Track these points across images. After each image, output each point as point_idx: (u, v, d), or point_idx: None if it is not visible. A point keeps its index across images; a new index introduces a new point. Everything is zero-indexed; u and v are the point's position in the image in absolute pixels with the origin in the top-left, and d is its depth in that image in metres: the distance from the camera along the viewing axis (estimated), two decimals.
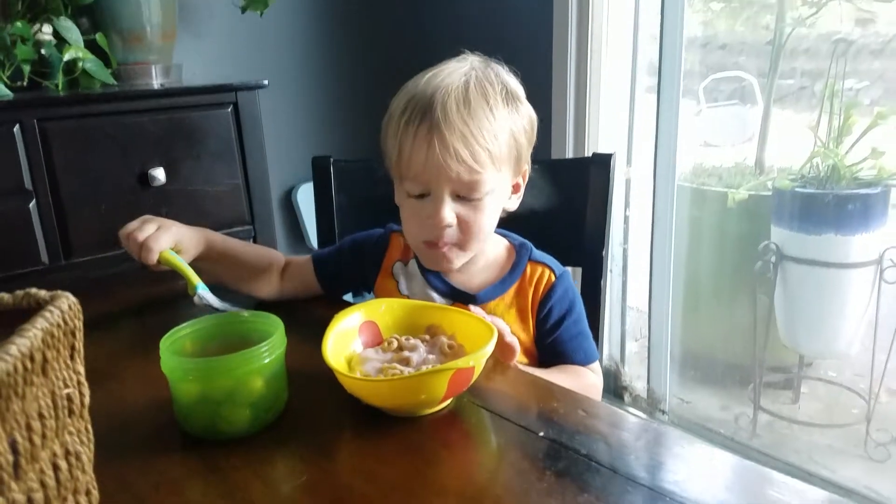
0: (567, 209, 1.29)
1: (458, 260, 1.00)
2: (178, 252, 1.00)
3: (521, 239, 1.09)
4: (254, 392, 0.70)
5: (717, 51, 2.45)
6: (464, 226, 0.96)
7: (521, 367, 0.90)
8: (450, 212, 0.94)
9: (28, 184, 1.57)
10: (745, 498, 0.58)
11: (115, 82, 1.80)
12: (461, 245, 0.98)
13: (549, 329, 1.02)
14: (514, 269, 1.05)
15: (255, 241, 1.89)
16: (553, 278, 1.04)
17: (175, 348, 0.73)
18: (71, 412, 0.45)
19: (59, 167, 1.60)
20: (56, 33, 1.71)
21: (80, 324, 0.46)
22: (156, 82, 1.88)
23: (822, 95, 2.12)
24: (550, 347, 1.01)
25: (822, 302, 2.20)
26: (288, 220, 2.52)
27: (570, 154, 2.15)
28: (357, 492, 0.61)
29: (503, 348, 0.86)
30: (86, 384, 0.47)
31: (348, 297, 1.19)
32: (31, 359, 0.39)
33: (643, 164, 2.26)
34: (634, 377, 2.42)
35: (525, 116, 1.00)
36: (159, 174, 1.70)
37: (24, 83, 1.65)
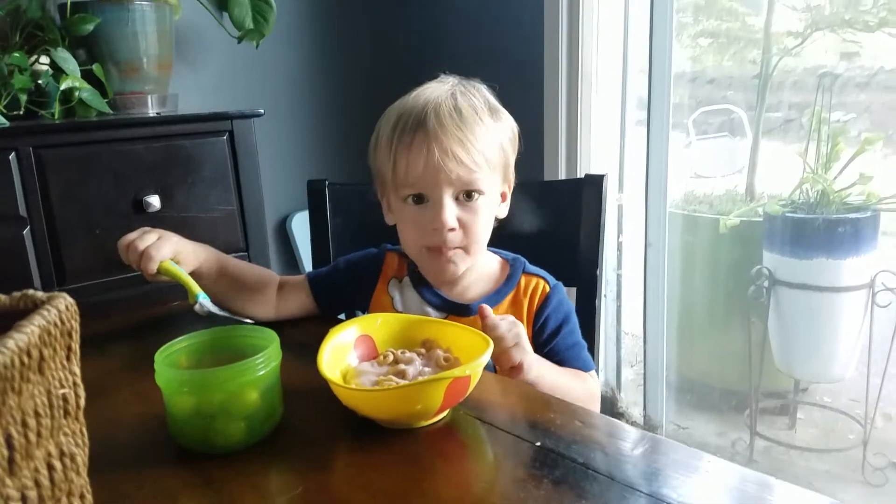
0: (561, 230, 1.30)
1: (463, 264, 1.02)
2: (177, 263, 1.00)
3: (513, 254, 1.12)
4: (249, 405, 0.70)
5: (706, 85, 2.48)
6: (465, 228, 0.98)
7: (539, 360, 0.91)
8: (452, 214, 0.97)
9: (23, 210, 1.57)
10: (744, 502, 0.57)
11: (112, 112, 1.81)
12: (465, 248, 1.00)
13: (547, 339, 1.03)
14: (509, 280, 1.07)
15: None
16: (548, 289, 1.07)
17: (170, 362, 0.73)
18: (66, 413, 0.45)
19: (54, 194, 1.60)
20: (53, 64, 1.73)
21: (76, 325, 0.46)
22: (152, 112, 1.90)
23: (810, 127, 2.14)
24: (548, 357, 1.01)
25: (815, 326, 2.21)
26: (282, 248, 2.52)
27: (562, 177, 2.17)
28: (353, 502, 0.61)
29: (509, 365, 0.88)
30: (81, 386, 0.47)
31: (342, 317, 1.19)
32: (28, 354, 0.39)
33: (635, 191, 2.28)
34: (631, 403, 2.42)
35: (508, 128, 1.04)
36: (154, 201, 1.70)
37: (21, 112, 1.66)
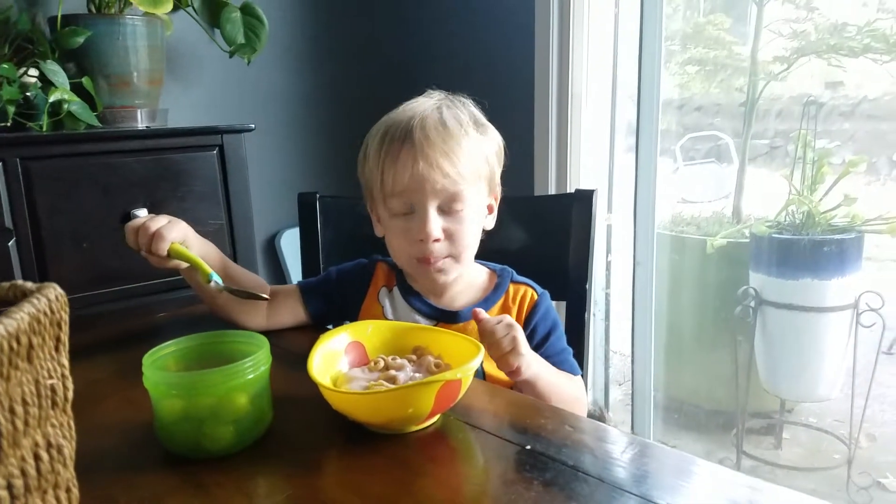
0: (550, 245, 1.31)
1: (453, 272, 1.03)
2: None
3: (501, 265, 1.14)
4: (237, 409, 0.70)
5: (693, 112, 2.51)
6: (451, 238, 1.00)
7: (536, 359, 0.92)
8: (437, 225, 0.98)
9: (9, 222, 1.56)
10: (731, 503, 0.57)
11: (101, 125, 1.81)
12: (453, 257, 1.02)
13: (536, 346, 1.04)
14: (497, 289, 1.09)
15: None
16: (536, 297, 1.09)
17: (158, 365, 0.73)
18: (54, 404, 0.44)
19: (42, 206, 1.59)
20: (42, 76, 1.72)
21: (66, 317, 0.46)
22: (141, 126, 1.89)
23: (795, 152, 2.17)
24: None
25: (801, 346, 2.22)
26: (271, 265, 2.51)
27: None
28: None
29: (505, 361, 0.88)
30: (69, 378, 0.46)
31: (329, 327, 1.18)
32: (18, 341, 0.39)
33: (623, 212, 2.29)
34: (619, 422, 2.41)
35: (493, 141, 1.06)
36: (143, 214, 1.69)
37: (9, 123, 1.65)
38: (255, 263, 1.94)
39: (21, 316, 0.40)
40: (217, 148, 1.82)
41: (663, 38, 1.99)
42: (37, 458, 0.42)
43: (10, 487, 0.39)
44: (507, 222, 1.20)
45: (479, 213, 1.05)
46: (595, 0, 2.11)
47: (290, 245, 2.48)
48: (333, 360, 0.80)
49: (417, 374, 0.77)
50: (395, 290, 1.10)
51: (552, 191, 2.19)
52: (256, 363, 0.71)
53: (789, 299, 2.17)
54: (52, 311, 0.44)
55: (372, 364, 0.80)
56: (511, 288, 1.09)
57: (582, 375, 1.11)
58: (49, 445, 0.43)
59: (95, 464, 0.66)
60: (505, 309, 1.07)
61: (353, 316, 1.12)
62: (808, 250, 2.12)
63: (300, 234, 1.43)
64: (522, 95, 2.20)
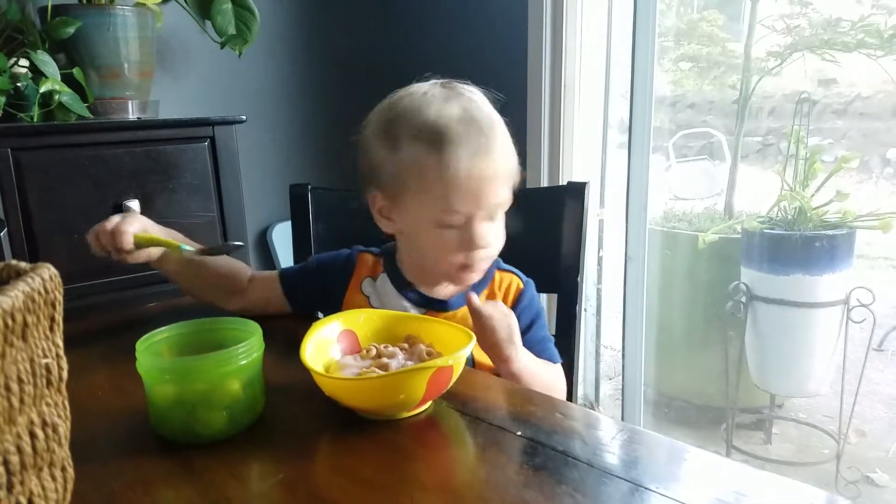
0: (542, 237, 1.31)
1: (484, 269, 1.03)
2: None
3: None
4: (230, 395, 0.70)
5: (686, 109, 2.52)
6: (495, 242, 0.99)
7: (523, 351, 0.93)
8: (490, 235, 0.97)
9: (0, 213, 1.55)
10: (720, 489, 0.58)
11: (92, 116, 1.80)
12: (491, 257, 1.01)
13: (521, 333, 1.03)
14: (484, 277, 1.07)
15: None
16: (521, 285, 1.09)
17: (151, 351, 0.73)
18: (49, 383, 0.44)
19: (33, 197, 1.59)
20: (33, 66, 1.72)
21: (60, 297, 0.46)
22: (132, 117, 1.89)
23: (788, 149, 2.18)
24: None
25: (791, 341, 2.23)
26: (262, 259, 2.51)
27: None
28: (336, 487, 0.61)
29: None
30: (64, 358, 0.46)
31: (320, 315, 1.18)
32: (13, 318, 0.39)
33: (615, 208, 2.30)
34: (608, 416, 2.42)
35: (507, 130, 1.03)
36: (134, 206, 1.70)
37: None
38: (246, 256, 1.94)
39: (16, 294, 0.40)
40: (208, 140, 1.82)
41: (657, 34, 2.00)
42: (32, 435, 0.42)
43: (6, 464, 0.39)
44: None
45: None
46: None
47: (282, 238, 2.48)
48: (326, 347, 0.81)
49: (409, 362, 0.77)
50: (382, 278, 1.08)
51: (544, 185, 2.19)
52: (249, 349, 0.71)
53: (780, 295, 2.18)
54: (46, 291, 0.44)
55: (364, 352, 0.81)
56: (497, 276, 1.09)
57: (571, 368, 1.12)
58: (44, 424, 0.43)
59: (88, 449, 0.66)
60: (491, 297, 1.07)
61: (335, 307, 1.09)
62: (800, 246, 2.13)
63: (292, 225, 1.43)
64: (515, 89, 2.20)
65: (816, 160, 2.15)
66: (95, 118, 1.82)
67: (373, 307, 1.06)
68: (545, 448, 0.65)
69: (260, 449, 0.68)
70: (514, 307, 1.05)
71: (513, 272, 1.10)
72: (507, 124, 1.05)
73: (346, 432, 0.70)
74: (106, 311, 1.22)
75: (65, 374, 0.47)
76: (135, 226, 0.98)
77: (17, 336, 0.40)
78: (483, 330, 0.89)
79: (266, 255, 2.50)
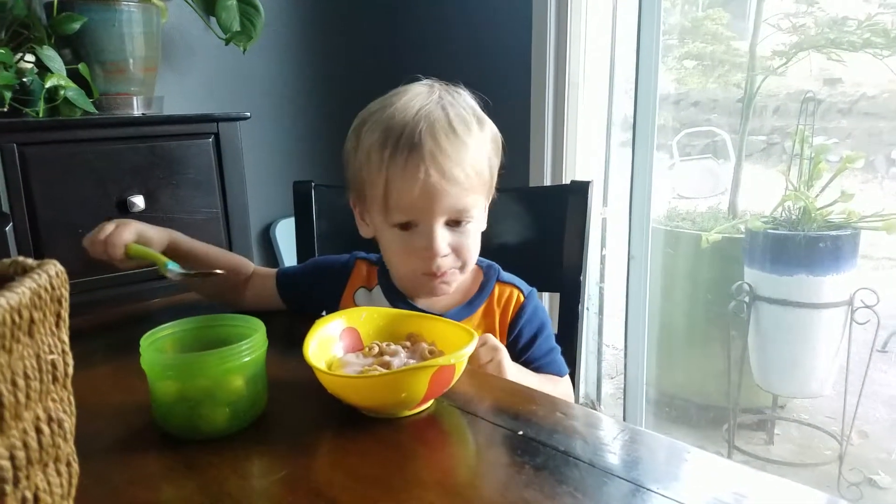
0: (545, 236, 1.31)
1: (455, 282, 1.01)
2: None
3: (487, 261, 1.09)
4: (233, 391, 0.70)
5: (690, 107, 2.52)
6: (458, 252, 0.96)
7: (514, 366, 0.91)
8: (444, 242, 0.94)
9: (5, 207, 1.56)
10: (721, 490, 0.58)
11: (97, 112, 1.81)
12: (459, 268, 0.98)
13: (522, 348, 1.02)
14: (482, 290, 1.05)
15: None
16: (522, 298, 1.05)
17: (155, 347, 0.73)
18: (55, 379, 0.45)
19: (38, 192, 1.60)
20: (38, 62, 1.72)
21: (66, 294, 0.46)
22: (137, 113, 1.89)
23: (792, 149, 2.18)
24: (524, 365, 1.01)
25: (794, 342, 2.23)
26: (266, 255, 2.52)
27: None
28: (337, 485, 0.61)
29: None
30: (70, 354, 0.47)
31: (324, 313, 1.18)
32: (20, 314, 0.40)
33: (619, 207, 2.30)
34: (610, 416, 2.43)
35: (493, 137, 1.00)
36: (138, 201, 1.70)
37: (5, 109, 1.65)
38: (250, 253, 1.94)
39: (22, 290, 0.40)
40: (212, 136, 1.83)
41: (661, 32, 2.00)
42: (38, 431, 0.42)
43: (12, 459, 0.39)
44: (502, 213, 1.19)
45: (482, 220, 1.01)
46: None
47: (285, 235, 2.48)
48: (328, 345, 0.81)
49: (411, 360, 0.78)
50: (376, 290, 1.07)
51: (548, 183, 2.19)
52: (253, 346, 0.71)
53: (783, 295, 2.18)
54: (52, 287, 0.44)
55: (366, 350, 0.81)
56: (496, 289, 1.05)
57: (573, 367, 1.11)
58: (50, 419, 0.44)
59: (92, 444, 0.67)
60: (489, 311, 1.04)
61: (331, 311, 1.09)
62: (803, 246, 2.13)
63: (295, 222, 1.43)
64: (519, 86, 2.21)
65: (821, 160, 2.14)
66: (100, 114, 1.83)
67: None
68: (546, 447, 0.65)
69: (262, 445, 0.69)
70: (513, 322, 1.03)
71: (513, 283, 1.06)
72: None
73: (347, 430, 0.71)
74: (109, 307, 1.22)
75: (70, 370, 0.47)
76: (126, 235, 0.98)
77: (24, 332, 0.41)
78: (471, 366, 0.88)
79: (269, 251, 2.51)
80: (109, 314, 1.17)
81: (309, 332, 0.78)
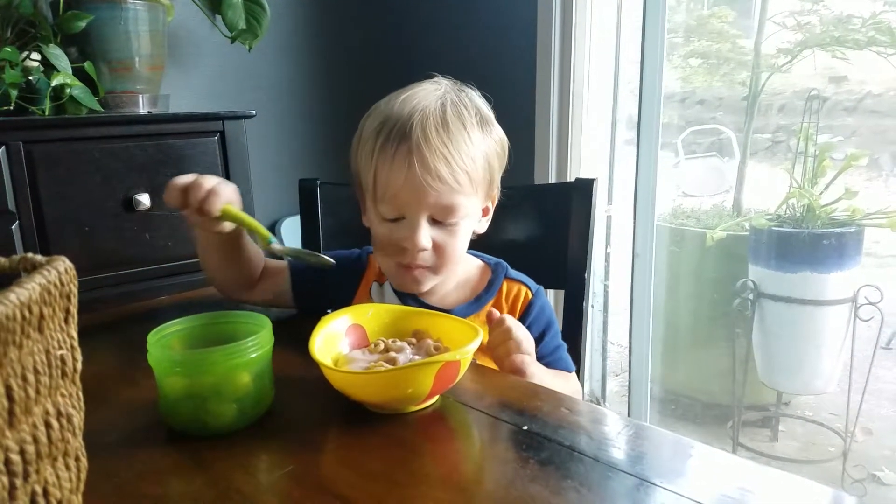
0: (550, 233, 1.32)
1: (428, 283, 1.01)
2: None
3: (495, 259, 1.10)
4: (240, 387, 0.71)
5: (695, 105, 2.52)
6: (438, 250, 0.96)
7: (534, 364, 0.91)
8: (426, 236, 0.94)
9: (12, 206, 1.57)
10: (725, 485, 0.58)
11: (102, 110, 1.81)
12: (434, 269, 0.98)
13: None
14: (490, 287, 1.06)
15: None
16: (530, 296, 1.06)
17: (162, 344, 0.74)
18: (64, 374, 0.45)
19: (44, 190, 1.60)
20: (45, 60, 1.73)
21: (75, 290, 0.47)
22: (143, 111, 1.90)
23: (797, 148, 2.18)
24: None
25: (798, 339, 2.23)
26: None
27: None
28: (343, 480, 0.61)
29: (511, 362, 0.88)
30: (78, 350, 0.47)
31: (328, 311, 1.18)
32: (29, 310, 0.40)
33: (623, 204, 2.30)
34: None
35: (497, 140, 1.00)
36: (144, 199, 1.71)
37: (11, 107, 1.66)
38: None
39: (33, 286, 0.41)
40: (218, 134, 1.83)
41: (666, 31, 2.00)
42: (47, 425, 0.43)
43: (22, 453, 0.40)
44: (507, 210, 1.19)
45: (471, 222, 1.00)
46: None
47: (291, 233, 2.48)
48: (334, 341, 0.81)
49: (417, 357, 0.78)
50: (387, 284, 1.07)
51: (552, 181, 2.19)
52: (259, 343, 0.72)
53: (788, 292, 2.18)
54: (61, 283, 0.44)
55: (372, 346, 0.81)
56: (505, 285, 1.06)
57: (578, 365, 1.11)
58: (59, 414, 0.44)
59: (99, 439, 0.67)
60: (497, 308, 1.04)
61: (342, 306, 1.10)
62: (808, 243, 2.13)
63: (301, 220, 1.43)
64: (524, 84, 2.21)
65: (825, 157, 2.14)
66: (106, 112, 1.84)
67: None
68: (551, 443, 0.65)
69: (269, 441, 0.69)
70: (522, 318, 1.04)
71: (521, 281, 1.07)
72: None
73: (353, 426, 0.71)
74: (116, 304, 1.23)
75: (79, 366, 0.47)
76: (228, 192, 0.90)
77: (34, 328, 0.41)
78: (502, 341, 0.88)
79: None
80: (116, 311, 1.17)
81: (315, 329, 0.78)
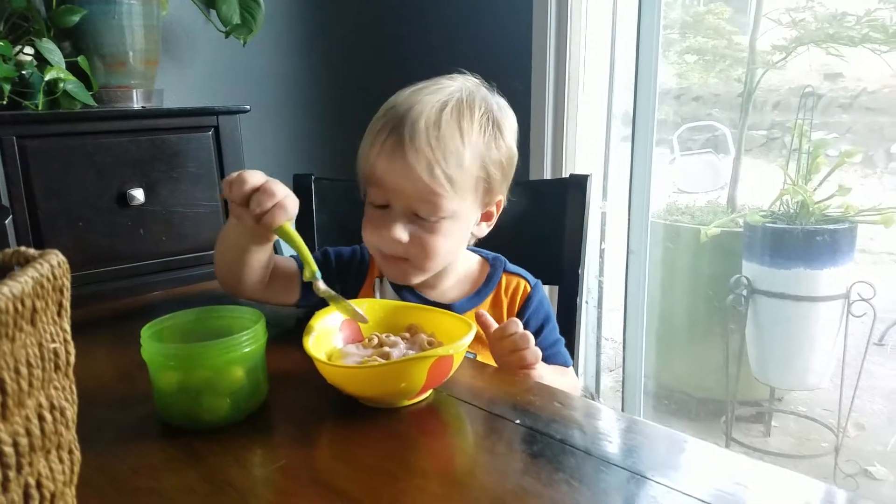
0: (544, 228, 1.32)
1: (414, 277, 1.00)
2: None
3: (494, 253, 1.11)
4: (234, 381, 0.71)
5: (691, 102, 2.52)
6: (416, 245, 0.96)
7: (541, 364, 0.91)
8: (402, 229, 0.94)
9: (5, 200, 1.56)
10: (718, 479, 0.59)
11: (96, 104, 1.81)
12: (414, 264, 0.98)
13: None
14: (489, 280, 1.07)
15: None
16: (529, 289, 1.07)
17: (156, 338, 0.74)
18: (57, 367, 0.45)
19: (38, 185, 1.60)
20: (38, 54, 1.72)
21: (68, 283, 0.47)
22: (137, 106, 1.90)
23: (791, 145, 2.18)
24: None
25: (792, 335, 2.24)
26: None
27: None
28: (338, 474, 0.62)
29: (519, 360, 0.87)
30: (72, 343, 0.47)
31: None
32: (22, 303, 0.40)
33: (618, 200, 2.30)
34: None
35: (503, 150, 0.99)
36: (138, 194, 1.70)
37: (4, 102, 1.65)
38: None
39: (25, 279, 0.41)
40: (212, 129, 1.83)
41: (662, 27, 2.00)
42: (41, 418, 0.43)
43: (15, 445, 0.40)
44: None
45: (461, 225, 0.99)
46: None
47: None
48: (328, 336, 0.81)
49: (411, 351, 0.78)
50: (385, 280, 1.07)
51: (547, 177, 2.19)
52: (253, 337, 0.72)
53: (781, 288, 2.19)
54: (54, 277, 0.44)
55: (366, 341, 0.81)
56: (504, 279, 1.07)
57: (572, 360, 1.12)
58: (52, 407, 0.44)
59: (93, 433, 0.67)
60: (497, 301, 1.05)
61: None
62: (801, 240, 2.13)
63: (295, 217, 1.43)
64: (519, 80, 2.21)
65: (820, 154, 2.15)
66: (100, 106, 1.83)
67: None
68: (543, 436, 0.65)
69: (263, 435, 0.69)
70: (520, 312, 1.05)
71: (520, 275, 1.08)
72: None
73: (347, 420, 0.71)
74: (110, 299, 1.23)
75: (72, 359, 0.47)
76: (291, 211, 0.85)
77: (27, 321, 0.41)
78: (503, 349, 0.88)
79: None
80: (109, 306, 1.17)
81: (309, 324, 0.79)
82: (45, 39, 1.72)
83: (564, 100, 2.16)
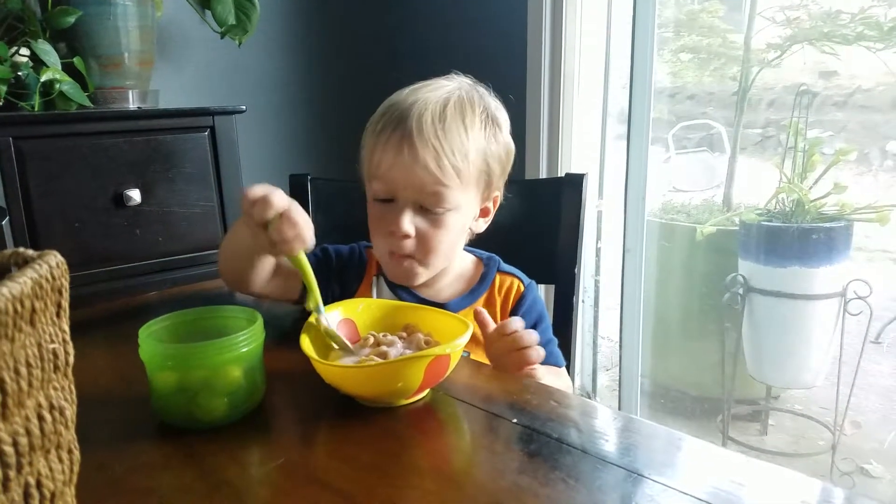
0: (540, 228, 1.32)
1: (420, 275, 1.01)
2: None
3: (488, 253, 1.12)
4: (231, 381, 0.71)
5: (686, 101, 2.52)
6: (423, 239, 0.97)
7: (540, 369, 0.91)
8: (409, 222, 0.96)
9: (1, 201, 1.56)
10: (715, 477, 0.59)
11: (92, 105, 1.81)
12: (420, 260, 0.99)
13: None
14: (483, 280, 1.08)
15: None
16: (522, 288, 1.08)
17: (154, 338, 0.74)
18: (56, 367, 0.45)
19: (34, 186, 1.60)
20: (34, 56, 1.72)
21: (66, 284, 0.47)
22: (133, 107, 1.89)
23: (786, 143, 2.19)
24: None
25: (788, 333, 2.24)
26: None
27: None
28: (334, 472, 0.62)
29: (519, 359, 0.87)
30: (70, 343, 0.47)
31: None
32: (21, 304, 0.40)
33: (614, 199, 2.31)
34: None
35: (502, 145, 1.02)
36: (134, 195, 1.70)
37: (0, 103, 1.65)
38: None
39: (24, 280, 0.41)
40: (208, 129, 1.83)
41: (656, 25, 2.00)
42: (40, 418, 0.43)
43: (15, 445, 0.40)
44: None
45: (463, 218, 1.01)
46: None
47: None
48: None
49: (407, 351, 0.78)
50: (381, 278, 1.09)
51: (543, 176, 2.20)
52: (250, 337, 0.72)
53: (777, 287, 2.19)
54: (53, 277, 0.45)
55: (363, 340, 0.82)
56: (497, 278, 1.08)
57: (568, 359, 1.12)
58: (52, 407, 0.44)
59: (92, 432, 0.67)
60: (490, 300, 1.06)
61: (337, 300, 1.09)
62: (797, 238, 2.14)
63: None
64: (515, 79, 2.21)
65: (815, 152, 2.15)
66: (96, 107, 1.83)
67: None
68: (540, 435, 0.66)
69: (260, 435, 0.69)
70: (514, 311, 1.05)
71: (514, 274, 1.09)
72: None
73: (344, 419, 0.72)
74: (107, 300, 1.23)
75: (71, 359, 0.48)
76: (309, 243, 0.85)
77: (26, 321, 0.41)
78: (508, 348, 0.88)
79: None
80: (107, 307, 1.17)
81: (306, 323, 0.79)
82: (40, 41, 1.72)
83: (560, 99, 2.17)
